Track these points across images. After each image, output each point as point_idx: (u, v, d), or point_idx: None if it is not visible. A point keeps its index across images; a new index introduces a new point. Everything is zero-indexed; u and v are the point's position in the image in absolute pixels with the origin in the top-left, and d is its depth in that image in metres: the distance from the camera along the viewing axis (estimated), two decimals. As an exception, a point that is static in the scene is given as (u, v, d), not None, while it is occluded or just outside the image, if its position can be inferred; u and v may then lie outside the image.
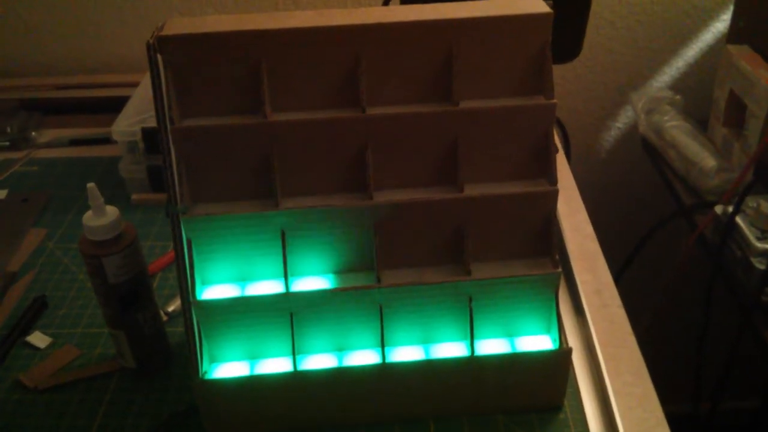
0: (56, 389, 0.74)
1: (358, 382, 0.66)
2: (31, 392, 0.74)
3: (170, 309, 0.81)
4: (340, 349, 0.68)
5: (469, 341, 0.66)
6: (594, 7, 1.15)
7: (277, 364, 0.68)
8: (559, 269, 0.66)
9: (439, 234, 0.66)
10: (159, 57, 0.60)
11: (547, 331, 0.69)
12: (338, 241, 0.65)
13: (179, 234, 0.62)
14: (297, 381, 0.66)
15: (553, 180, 0.65)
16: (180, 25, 0.61)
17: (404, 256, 0.67)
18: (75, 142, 1.16)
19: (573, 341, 0.77)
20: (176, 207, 0.62)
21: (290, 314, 0.65)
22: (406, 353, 0.68)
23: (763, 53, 1.05)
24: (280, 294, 0.64)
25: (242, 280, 0.67)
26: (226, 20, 0.62)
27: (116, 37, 1.29)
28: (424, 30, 0.62)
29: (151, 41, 0.59)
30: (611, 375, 0.71)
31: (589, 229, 0.91)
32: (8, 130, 1.15)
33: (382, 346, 0.65)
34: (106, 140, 1.12)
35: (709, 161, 1.08)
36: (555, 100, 0.64)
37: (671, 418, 0.71)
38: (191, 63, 0.61)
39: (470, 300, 0.66)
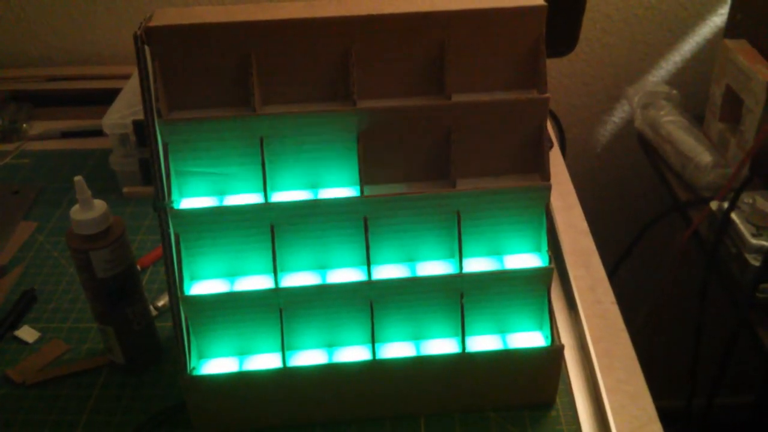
0: (44, 384, 0.73)
1: (348, 379, 0.66)
2: (19, 387, 0.73)
3: (160, 304, 0.81)
4: (330, 346, 0.68)
5: (460, 338, 0.66)
6: (590, 0, 1.14)
7: (266, 360, 0.67)
8: (552, 265, 0.65)
9: (432, 230, 0.65)
10: (147, 48, 0.59)
11: (540, 328, 0.69)
12: (329, 237, 0.65)
13: (167, 228, 0.62)
14: (286, 377, 0.65)
15: (546, 175, 0.64)
16: (168, 16, 0.60)
17: (396, 252, 0.66)
18: (66, 135, 1.15)
19: (566, 337, 0.76)
20: (163, 201, 0.61)
21: (279, 310, 0.64)
22: (397, 349, 0.67)
23: (760, 48, 1.04)
24: (269, 289, 0.64)
25: (231, 275, 0.66)
26: (216, 11, 0.61)
27: (108, 28, 1.27)
28: (416, 22, 0.61)
29: (138, 32, 0.58)
30: (604, 372, 0.71)
31: (583, 224, 0.90)
32: (-1, 122, 1.14)
33: (373, 342, 0.65)
34: (98, 132, 1.11)
35: (705, 157, 1.08)
36: (548, 95, 0.63)
37: (666, 413, 0.70)
38: (180, 55, 0.60)
39: (462, 296, 0.65)
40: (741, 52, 1.04)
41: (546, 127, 0.64)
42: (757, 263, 0.89)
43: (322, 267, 0.66)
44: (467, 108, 0.63)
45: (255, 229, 0.64)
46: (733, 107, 1.08)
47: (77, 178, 0.65)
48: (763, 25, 1.05)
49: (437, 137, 0.64)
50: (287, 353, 0.65)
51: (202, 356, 0.67)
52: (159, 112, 0.60)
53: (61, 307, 0.82)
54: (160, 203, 0.61)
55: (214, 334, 0.66)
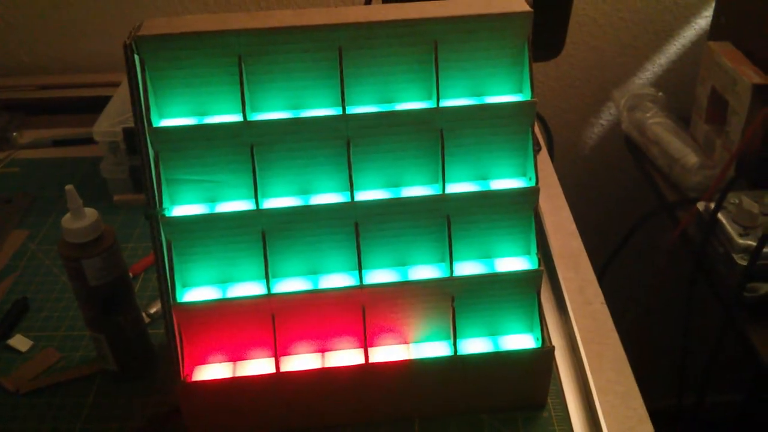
0: (37, 393, 0.73)
1: (341, 383, 0.66)
2: (12, 396, 0.73)
3: (152, 311, 0.81)
4: (323, 352, 0.68)
5: (452, 341, 0.66)
6: (576, 4, 1.15)
7: (259, 366, 0.67)
8: (541, 268, 0.66)
9: (423, 234, 0.66)
10: (136, 57, 0.59)
11: (530, 330, 0.69)
12: (320, 242, 0.65)
13: (158, 236, 0.62)
14: (280, 383, 0.65)
15: (534, 178, 0.65)
16: (157, 25, 0.61)
17: (388, 257, 0.67)
18: (57, 143, 1.15)
19: (556, 339, 0.77)
20: (155, 209, 0.61)
21: (272, 315, 0.65)
22: (389, 353, 0.68)
23: (744, 50, 1.06)
24: (262, 295, 0.64)
25: (223, 282, 0.67)
26: (205, 20, 0.62)
27: (98, 36, 1.28)
28: (405, 29, 0.62)
29: (127, 41, 0.59)
30: (594, 372, 0.71)
31: (572, 226, 0.91)
32: (-11, 131, 1.14)
33: (365, 347, 0.65)
34: (89, 140, 1.11)
35: (692, 158, 1.09)
36: (536, 99, 0.64)
37: (656, 412, 0.71)
38: (169, 63, 0.61)
39: (452, 300, 0.65)
40: (725, 54, 1.05)
41: (534, 130, 0.65)
42: (744, 263, 0.89)
43: (314, 273, 0.67)
44: (456, 113, 0.64)
45: (246, 236, 0.64)
46: (718, 109, 1.09)
47: (68, 187, 0.65)
48: (746, 27, 1.07)
49: (427, 142, 0.64)
50: (281, 358, 0.65)
51: (195, 363, 0.68)
52: (149, 121, 0.60)
53: (54, 315, 0.82)
54: (151, 211, 0.61)
55: (207, 342, 0.66)
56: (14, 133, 1.15)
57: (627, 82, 1.32)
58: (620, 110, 1.23)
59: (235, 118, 0.63)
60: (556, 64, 1.28)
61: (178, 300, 0.64)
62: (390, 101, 0.65)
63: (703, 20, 1.25)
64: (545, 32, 0.94)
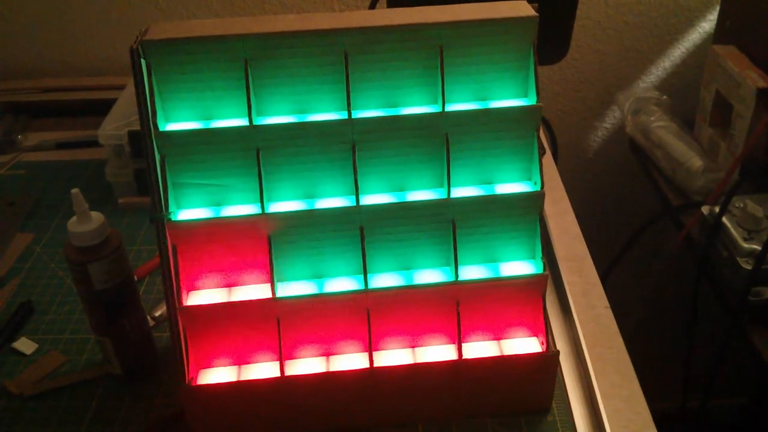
0: (42, 396, 0.73)
1: (345, 387, 0.66)
2: (17, 399, 0.73)
3: (157, 314, 0.81)
4: (327, 355, 0.68)
5: (456, 345, 0.66)
6: (581, 8, 1.15)
7: (263, 370, 0.67)
8: (547, 272, 0.66)
9: (428, 239, 0.66)
10: (143, 62, 0.60)
11: (535, 335, 0.69)
12: (325, 246, 0.65)
13: (164, 240, 0.62)
14: (284, 387, 0.65)
15: (539, 183, 0.65)
16: (164, 30, 0.61)
17: (393, 261, 0.67)
18: (62, 146, 1.15)
19: (560, 343, 0.77)
20: (161, 213, 0.61)
21: (277, 319, 0.65)
22: (394, 358, 0.68)
23: (749, 53, 1.06)
24: (266, 299, 0.64)
25: (229, 286, 0.67)
26: (211, 24, 0.62)
27: (103, 39, 1.28)
28: (410, 34, 0.62)
29: (134, 46, 0.59)
30: (599, 376, 0.71)
31: (576, 230, 0.91)
32: (-6, 133, 1.14)
33: (370, 350, 0.65)
34: (94, 143, 1.11)
35: (696, 161, 1.09)
36: (541, 104, 0.64)
37: (661, 415, 0.71)
38: (175, 67, 0.61)
39: (458, 304, 0.66)
40: (730, 57, 1.05)
41: (539, 134, 0.65)
42: (748, 267, 0.89)
43: (319, 277, 0.67)
44: (461, 117, 0.64)
45: (251, 241, 0.64)
46: (722, 112, 1.09)
47: (74, 191, 0.65)
48: (751, 31, 1.06)
49: (432, 147, 0.65)
50: (285, 362, 0.65)
51: (200, 366, 0.68)
52: (155, 125, 0.61)
53: (59, 318, 0.82)
54: (157, 215, 0.61)
55: (212, 345, 0.67)
56: (19, 136, 1.16)
57: (631, 86, 1.32)
58: (624, 114, 1.23)
59: (241, 122, 0.63)
60: (561, 68, 1.28)
61: (184, 303, 0.64)
62: (395, 106, 0.65)
63: (707, 24, 1.25)
64: (550, 36, 0.94)
